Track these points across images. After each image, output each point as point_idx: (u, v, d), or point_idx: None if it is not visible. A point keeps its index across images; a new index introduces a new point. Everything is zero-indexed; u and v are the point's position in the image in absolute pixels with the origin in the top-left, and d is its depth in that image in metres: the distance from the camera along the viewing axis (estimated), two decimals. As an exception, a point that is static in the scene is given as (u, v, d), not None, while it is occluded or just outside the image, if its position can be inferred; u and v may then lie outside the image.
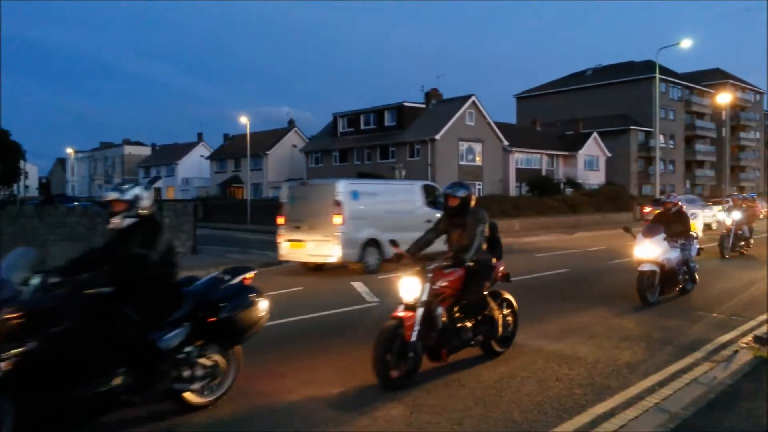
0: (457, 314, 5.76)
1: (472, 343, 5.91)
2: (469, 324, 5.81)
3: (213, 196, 52.88)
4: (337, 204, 12.94)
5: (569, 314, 8.58)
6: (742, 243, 16.38)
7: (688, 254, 10.01)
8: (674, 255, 9.51)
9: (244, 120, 41.09)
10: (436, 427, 4.47)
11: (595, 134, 51.66)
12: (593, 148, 51.63)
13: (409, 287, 5.40)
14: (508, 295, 6.43)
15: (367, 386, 5.30)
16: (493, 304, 6.06)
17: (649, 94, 58.59)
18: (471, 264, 5.79)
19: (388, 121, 43.99)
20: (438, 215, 17.05)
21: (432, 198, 15.07)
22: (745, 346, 6.48)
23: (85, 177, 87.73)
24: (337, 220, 12.86)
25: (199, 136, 73.19)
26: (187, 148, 72.14)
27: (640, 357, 6.31)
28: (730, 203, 19.47)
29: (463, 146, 41.27)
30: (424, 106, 43.99)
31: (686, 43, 32.87)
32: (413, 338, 5.24)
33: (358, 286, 11.42)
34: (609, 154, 52.96)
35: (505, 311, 6.31)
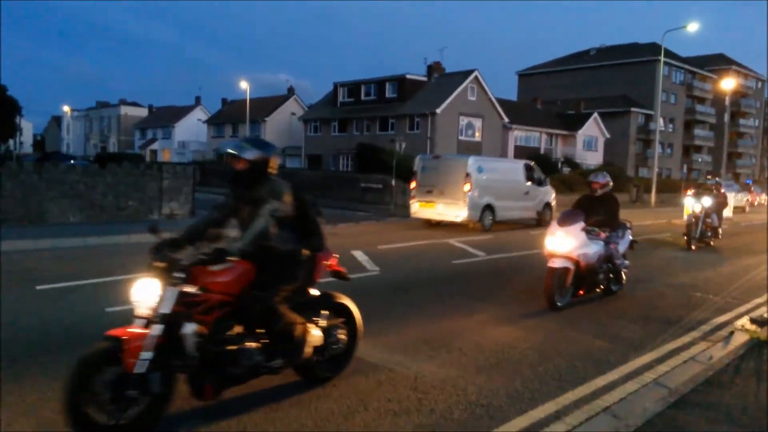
0: (232, 331, 4.01)
1: (265, 370, 4.19)
2: (254, 345, 4.07)
3: (210, 161, 52.58)
4: (467, 175, 16.57)
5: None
6: (710, 233, 15.01)
7: (614, 249, 8.05)
8: (594, 249, 7.69)
9: (244, 85, 40.82)
10: (441, 391, 4.57)
11: (595, 114, 51.52)
12: (593, 128, 51.52)
13: (144, 293, 3.77)
14: (344, 300, 4.79)
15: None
16: (293, 316, 4.25)
17: (652, 76, 58.60)
18: (263, 257, 4.06)
19: (389, 92, 43.63)
20: (541, 190, 18.60)
21: (530, 174, 18.85)
22: (742, 328, 6.61)
23: (80, 136, 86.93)
24: (467, 187, 16.48)
25: (197, 100, 72.50)
26: (185, 111, 71.51)
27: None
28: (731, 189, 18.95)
29: (464, 121, 41.11)
30: (426, 79, 43.62)
31: (693, 27, 32.60)
32: (139, 369, 3.54)
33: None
34: (608, 135, 52.89)
35: (332, 322, 4.65)
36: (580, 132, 50.14)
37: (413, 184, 17.74)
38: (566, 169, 43.09)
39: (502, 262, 11.50)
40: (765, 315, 7.09)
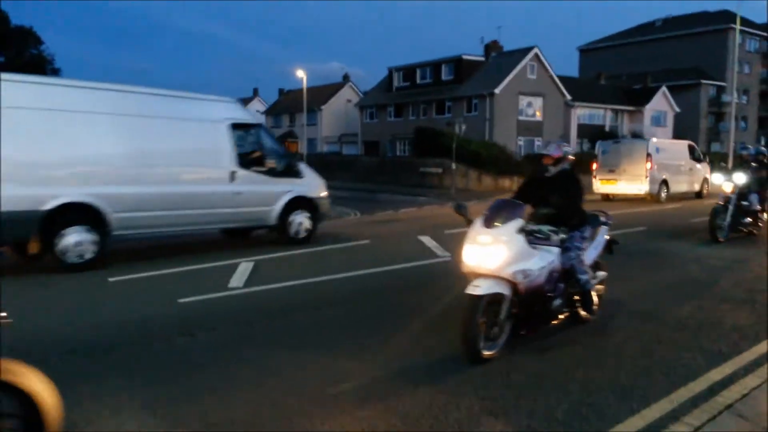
0: None
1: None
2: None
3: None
4: (648, 155, 19.77)
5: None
6: (749, 219, 11.33)
7: (575, 258, 5.19)
8: (541, 263, 4.86)
9: (300, 74, 40.87)
10: (538, 389, 4.17)
11: (663, 88, 49.03)
12: (661, 102, 49.08)
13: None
14: None
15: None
16: None
17: (723, 46, 55.26)
18: None
19: (445, 74, 42.81)
20: (699, 167, 20.92)
21: (693, 153, 21.87)
22: None
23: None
24: (648, 166, 19.71)
25: (255, 92, 73.53)
26: (244, 103, 72.44)
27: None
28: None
29: (524, 101, 39.89)
30: (483, 59, 42.53)
31: (773, -12, 30.23)
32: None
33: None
34: (678, 110, 50.29)
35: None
36: (648, 107, 47.86)
37: (595, 165, 21.12)
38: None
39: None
40: None
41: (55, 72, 36.81)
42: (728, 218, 10.94)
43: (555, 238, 5.09)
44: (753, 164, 11.77)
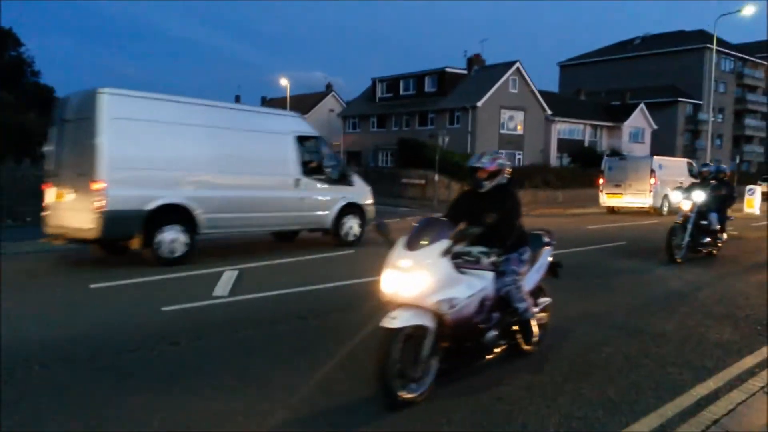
0: None
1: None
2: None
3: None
4: (652, 172, 21.80)
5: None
6: (708, 239, 10.98)
7: (512, 284, 4.57)
8: (470, 290, 4.25)
9: (284, 82, 40.89)
10: (529, 403, 4.17)
11: (642, 105, 49.90)
12: (639, 119, 49.94)
13: None
14: None
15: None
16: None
17: (699, 65, 56.53)
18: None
19: (428, 86, 43.10)
20: (691, 181, 19.27)
21: (690, 169, 23.49)
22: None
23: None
24: (652, 181, 21.82)
25: (237, 98, 73.16)
26: (225, 110, 72.30)
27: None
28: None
29: (505, 114, 40.30)
30: (466, 72, 42.92)
31: (748, 10, 31.10)
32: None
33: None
34: (655, 127, 51.21)
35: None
36: (626, 123, 48.65)
37: (602, 180, 23.09)
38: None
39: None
40: None
41: (35, 74, 36.26)
42: (686, 238, 10.51)
43: (486, 261, 4.55)
44: (712, 182, 11.43)
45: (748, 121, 64.77)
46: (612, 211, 22.90)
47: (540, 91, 42.50)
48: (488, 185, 4.77)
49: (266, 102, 64.07)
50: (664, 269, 9.95)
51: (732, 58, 61.88)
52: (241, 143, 10.46)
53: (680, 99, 55.78)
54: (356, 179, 12.54)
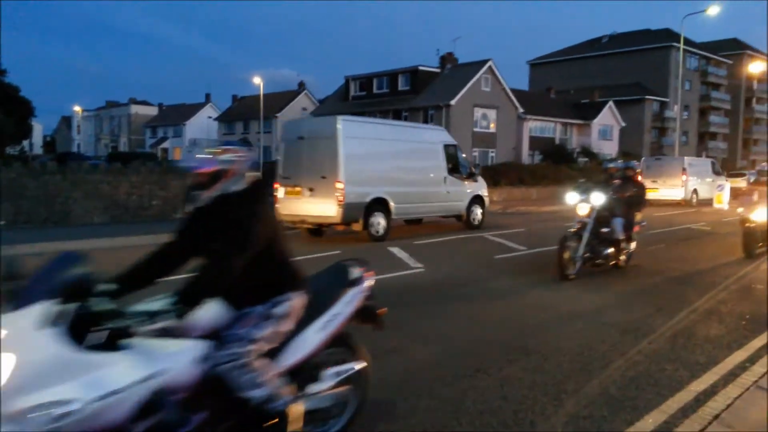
0: None
1: None
2: None
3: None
4: (684, 169, 25.45)
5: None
6: (610, 250, 9.02)
7: (233, 361, 2.73)
8: (113, 383, 2.31)
9: (257, 80, 40.60)
10: (533, 401, 4.23)
11: (610, 103, 50.85)
12: (608, 117, 50.86)
13: None
14: None
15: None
16: None
17: (665, 63, 57.77)
18: None
19: (401, 85, 43.20)
20: (719, 179, 26.39)
21: (714, 167, 28.27)
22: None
23: (91, 136, 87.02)
24: (684, 177, 25.34)
25: (207, 97, 72.39)
26: (195, 108, 71.41)
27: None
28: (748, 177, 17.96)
29: (478, 112, 40.64)
30: (439, 70, 43.14)
31: (713, 10, 31.85)
32: None
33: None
34: (623, 124, 52.20)
35: None
36: (595, 121, 49.51)
37: (640, 178, 25.50)
38: (582, 159, 42.58)
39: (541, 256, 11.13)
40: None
41: (1, 73, 35.16)
42: (581, 249, 8.56)
43: (169, 323, 2.54)
44: (617, 181, 9.38)
45: (713, 118, 66.42)
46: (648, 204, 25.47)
47: (511, 90, 42.98)
48: (208, 196, 2.92)
49: (238, 100, 63.46)
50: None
51: (697, 57, 63.38)
52: (413, 151, 14.01)
53: (647, 96, 56.94)
54: (479, 176, 15.88)
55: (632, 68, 59.00)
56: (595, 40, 66.47)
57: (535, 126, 46.33)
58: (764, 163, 12.36)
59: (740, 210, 11.37)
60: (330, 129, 12.58)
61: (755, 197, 11.18)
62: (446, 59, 43.42)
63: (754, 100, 72.79)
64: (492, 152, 41.19)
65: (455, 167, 15.09)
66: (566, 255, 8.46)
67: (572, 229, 8.78)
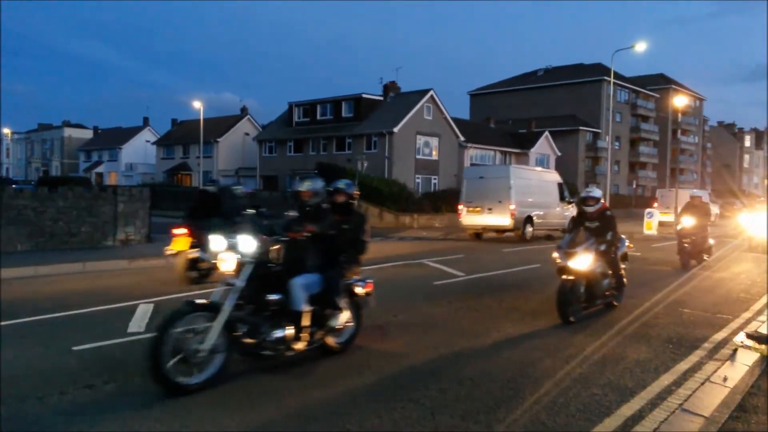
0: None
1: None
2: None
3: (160, 183, 51.01)
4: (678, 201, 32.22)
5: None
6: (285, 332, 5.26)
7: None
8: None
9: (197, 105, 39.97)
10: (462, 428, 4.17)
11: (546, 133, 52.58)
12: (544, 146, 52.53)
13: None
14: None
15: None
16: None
17: (597, 95, 60.44)
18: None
19: (345, 112, 43.39)
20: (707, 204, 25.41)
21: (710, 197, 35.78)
22: (743, 345, 6.47)
23: (21, 159, 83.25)
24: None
25: (145, 121, 70.63)
26: (132, 132, 69.48)
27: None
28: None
29: (421, 140, 41.16)
30: (382, 98, 43.60)
31: (641, 47, 33.63)
32: None
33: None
34: (559, 153, 54.02)
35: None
36: (533, 150, 51.00)
37: (655, 204, 34.83)
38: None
39: (484, 281, 11.23)
40: (761, 330, 7.00)
41: None
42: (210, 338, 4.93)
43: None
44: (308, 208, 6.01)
45: (642, 148, 69.68)
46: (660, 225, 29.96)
47: (453, 119, 43.84)
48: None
49: (177, 124, 62.18)
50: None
51: (627, 90, 66.60)
52: (544, 187, 22.93)
53: (581, 127, 59.22)
54: (573, 202, 21.39)
55: (566, 100, 61.40)
56: (531, 73, 68.95)
57: (475, 154, 47.30)
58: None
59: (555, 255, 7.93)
60: (505, 172, 21.71)
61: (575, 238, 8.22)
62: (389, 88, 43.97)
63: (679, 131, 76.92)
64: (435, 179, 41.72)
65: (562, 197, 23.51)
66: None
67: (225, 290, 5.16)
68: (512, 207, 20.19)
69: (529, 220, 21.17)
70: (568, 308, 7.53)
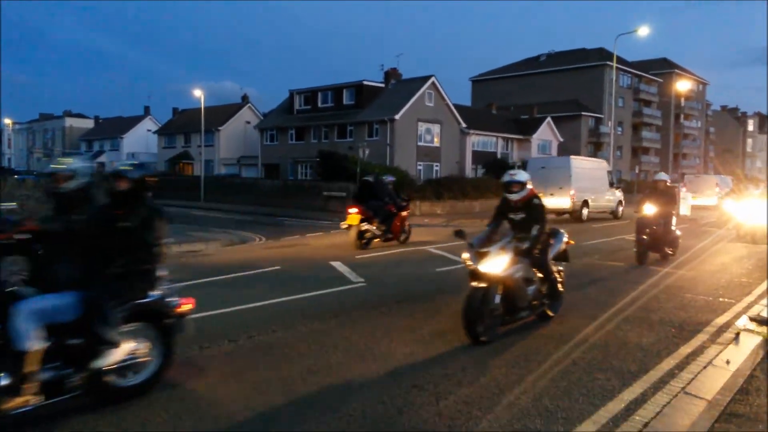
0: None
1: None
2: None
3: (162, 172, 51.02)
4: (716, 184, 35.06)
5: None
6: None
7: None
8: None
9: (198, 93, 39.76)
10: (468, 416, 4.21)
11: (548, 119, 52.40)
12: (547, 132, 52.38)
13: None
14: None
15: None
16: None
17: (600, 80, 60.15)
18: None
19: (346, 99, 43.26)
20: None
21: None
22: (745, 328, 6.50)
23: (23, 149, 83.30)
24: (716, 189, 34.10)
25: (146, 110, 70.49)
26: (133, 121, 69.38)
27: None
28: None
29: (422, 127, 41.06)
30: (383, 85, 43.44)
31: (643, 31, 33.43)
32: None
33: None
34: (561, 139, 53.86)
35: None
36: (535, 136, 50.86)
37: (684, 188, 34.07)
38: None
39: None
40: (763, 314, 7.03)
41: None
42: None
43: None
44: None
45: (645, 133, 69.44)
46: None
47: (454, 105, 43.71)
48: None
49: (178, 113, 62.08)
50: None
51: (629, 75, 66.28)
52: (596, 175, 25.53)
53: (583, 113, 59.00)
54: (620, 188, 27.41)
55: (569, 85, 61.11)
56: (533, 59, 68.61)
57: (477, 140, 47.20)
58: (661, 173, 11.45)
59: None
60: (566, 162, 24.76)
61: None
62: (390, 74, 43.80)
63: (682, 116, 76.63)
64: (436, 166, 41.68)
65: (611, 183, 26.47)
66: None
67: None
68: (572, 192, 23.27)
69: (585, 203, 24.12)
70: (478, 325, 5.87)
